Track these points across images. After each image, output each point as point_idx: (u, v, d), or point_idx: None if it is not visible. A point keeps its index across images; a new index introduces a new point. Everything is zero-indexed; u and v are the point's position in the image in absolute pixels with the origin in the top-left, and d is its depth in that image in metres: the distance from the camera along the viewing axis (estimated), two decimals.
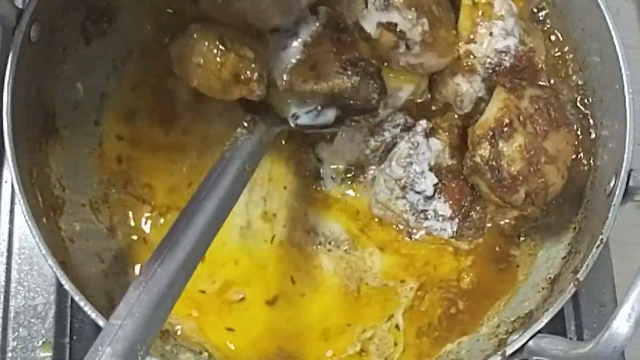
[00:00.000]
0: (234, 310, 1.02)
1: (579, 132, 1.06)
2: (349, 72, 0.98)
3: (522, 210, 1.03)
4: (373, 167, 1.10)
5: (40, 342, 1.07)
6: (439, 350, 1.02)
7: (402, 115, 1.08)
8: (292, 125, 1.02)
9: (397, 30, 0.98)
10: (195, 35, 0.95)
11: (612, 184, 0.93)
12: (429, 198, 1.06)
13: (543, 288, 1.01)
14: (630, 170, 0.92)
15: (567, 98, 1.09)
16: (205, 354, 0.99)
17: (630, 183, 0.92)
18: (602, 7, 0.99)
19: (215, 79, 0.94)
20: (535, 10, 1.11)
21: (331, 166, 1.11)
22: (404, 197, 1.06)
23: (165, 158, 1.11)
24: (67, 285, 0.87)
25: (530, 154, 0.99)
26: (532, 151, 0.99)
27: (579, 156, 1.04)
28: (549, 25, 1.12)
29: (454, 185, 1.06)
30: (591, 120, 1.06)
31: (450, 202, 1.06)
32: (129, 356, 0.74)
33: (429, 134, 1.07)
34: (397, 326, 1.03)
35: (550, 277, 1.02)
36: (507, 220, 1.06)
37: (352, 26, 1.01)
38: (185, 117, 1.12)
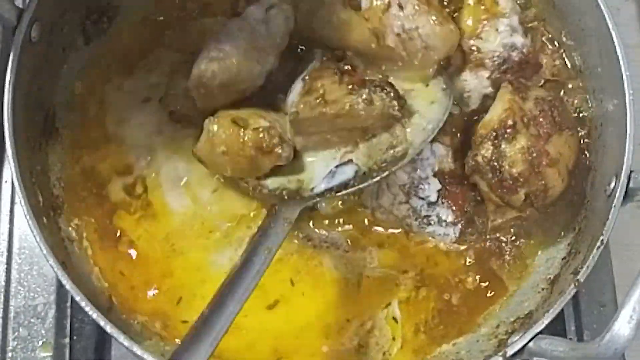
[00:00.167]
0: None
1: (582, 134, 1.06)
2: (358, 90, 0.97)
3: (521, 211, 1.03)
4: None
5: (40, 342, 1.07)
6: (436, 348, 1.02)
7: None
8: (312, 197, 1.01)
9: None
10: (211, 129, 0.97)
11: (612, 185, 0.93)
12: (432, 204, 1.05)
13: (543, 288, 1.02)
14: (631, 171, 0.92)
15: (567, 99, 1.10)
16: None
17: (631, 184, 0.92)
18: (602, 7, 0.98)
19: (244, 159, 0.97)
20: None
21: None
22: (407, 202, 1.05)
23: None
24: (68, 285, 0.86)
25: (532, 156, 0.99)
26: (534, 153, 0.99)
27: (579, 158, 1.04)
28: (549, 26, 1.12)
29: (457, 190, 1.05)
30: (591, 121, 1.06)
31: (454, 208, 1.05)
32: None
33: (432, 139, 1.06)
34: (394, 318, 1.03)
35: (550, 278, 1.02)
36: (505, 220, 1.05)
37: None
38: None
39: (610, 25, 0.97)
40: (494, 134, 1.00)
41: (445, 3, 1.08)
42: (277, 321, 1.02)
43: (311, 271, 1.05)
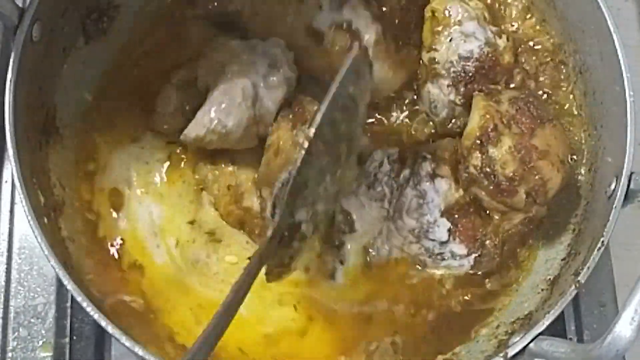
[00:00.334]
0: None
1: (582, 134, 1.06)
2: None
3: (527, 212, 1.02)
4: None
5: (40, 342, 1.07)
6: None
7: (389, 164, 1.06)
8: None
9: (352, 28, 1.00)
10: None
11: (612, 187, 0.93)
12: (444, 243, 1.04)
13: (542, 289, 1.02)
14: (631, 173, 0.92)
15: (567, 100, 1.10)
16: None
17: (631, 186, 0.91)
18: (602, 7, 0.98)
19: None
20: None
21: None
22: (418, 242, 1.04)
23: None
24: (70, 285, 0.86)
25: (521, 154, 0.99)
26: (522, 150, 0.99)
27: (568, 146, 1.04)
28: (549, 26, 1.12)
29: (466, 221, 1.04)
30: (591, 122, 1.06)
31: (466, 242, 1.03)
32: None
33: (433, 175, 1.05)
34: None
35: (549, 279, 1.02)
36: (514, 225, 1.04)
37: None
38: None
39: (610, 26, 0.97)
40: (479, 141, 1.00)
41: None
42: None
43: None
